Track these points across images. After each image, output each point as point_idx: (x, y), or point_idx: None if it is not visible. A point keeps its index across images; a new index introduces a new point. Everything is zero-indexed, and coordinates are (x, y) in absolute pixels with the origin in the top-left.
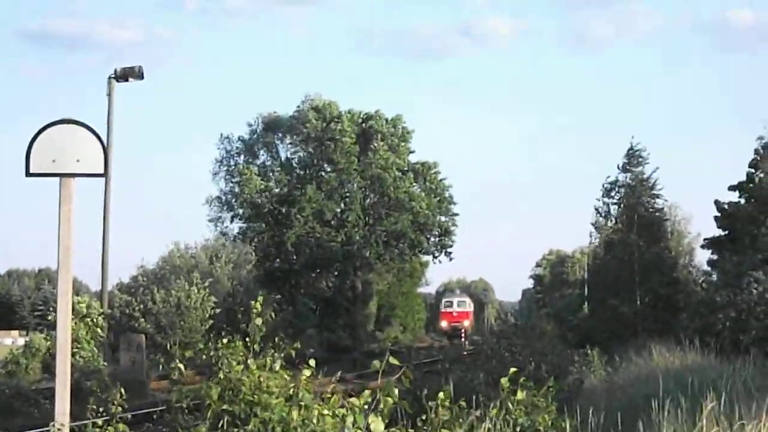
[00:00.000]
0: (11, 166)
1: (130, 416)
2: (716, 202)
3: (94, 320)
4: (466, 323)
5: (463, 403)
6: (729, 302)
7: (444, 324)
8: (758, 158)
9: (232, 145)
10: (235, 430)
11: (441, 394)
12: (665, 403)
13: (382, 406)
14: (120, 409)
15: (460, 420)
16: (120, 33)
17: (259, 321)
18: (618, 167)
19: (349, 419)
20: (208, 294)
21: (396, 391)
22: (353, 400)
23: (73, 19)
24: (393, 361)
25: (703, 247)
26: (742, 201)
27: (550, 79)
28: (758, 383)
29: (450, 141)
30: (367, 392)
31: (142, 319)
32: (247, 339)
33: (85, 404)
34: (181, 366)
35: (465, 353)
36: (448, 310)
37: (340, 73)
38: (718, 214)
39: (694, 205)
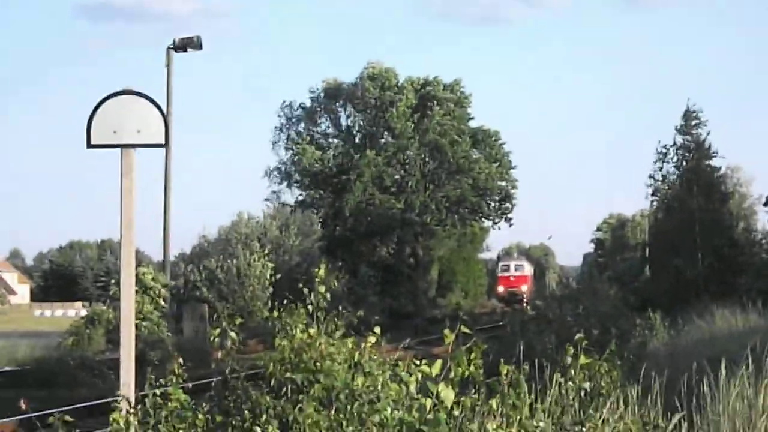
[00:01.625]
0: (74, 138)
1: (191, 386)
2: None
3: (157, 291)
4: (524, 288)
5: (526, 368)
6: None
7: (501, 289)
8: None
9: (293, 113)
10: (300, 396)
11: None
12: (729, 366)
13: (453, 374)
14: (180, 379)
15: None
16: (179, 5)
17: (322, 288)
18: (675, 129)
19: (413, 386)
20: (268, 262)
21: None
22: (424, 367)
23: None
24: (465, 329)
25: (765, 204)
26: None
27: (608, 41)
28: None
29: (509, 106)
30: (439, 362)
31: (205, 289)
32: (310, 307)
33: (150, 374)
34: (233, 334)
35: (527, 318)
36: (505, 274)
37: (400, 40)
38: None
39: (757, 168)
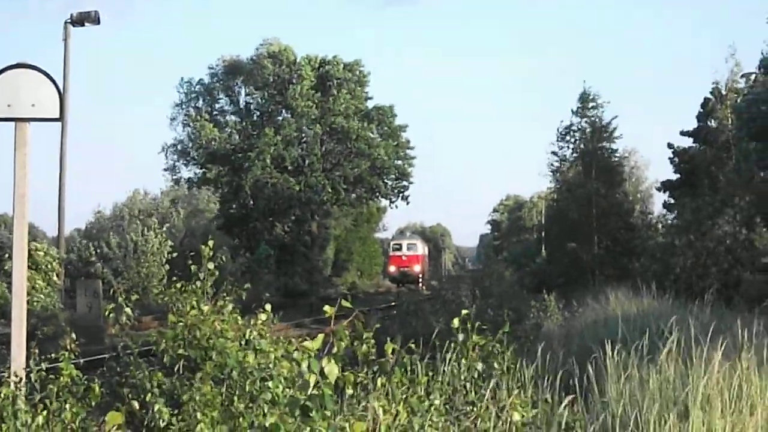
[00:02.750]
0: None
1: (82, 361)
2: (669, 145)
3: (50, 266)
4: (417, 268)
5: (413, 346)
6: (688, 246)
7: (392, 269)
8: (712, 104)
9: (192, 89)
10: (194, 374)
11: (389, 344)
12: (621, 348)
13: (335, 349)
14: (73, 354)
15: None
16: None
17: (210, 265)
18: (572, 111)
19: (304, 363)
20: (165, 239)
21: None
22: (307, 343)
23: None
24: (345, 304)
25: (659, 189)
26: (696, 147)
27: (512, 24)
28: (714, 326)
29: (406, 86)
30: (320, 336)
31: (99, 265)
32: (199, 284)
33: (41, 349)
34: (128, 310)
35: (423, 298)
36: (397, 254)
37: (301, 19)
38: (675, 159)
39: (651, 152)
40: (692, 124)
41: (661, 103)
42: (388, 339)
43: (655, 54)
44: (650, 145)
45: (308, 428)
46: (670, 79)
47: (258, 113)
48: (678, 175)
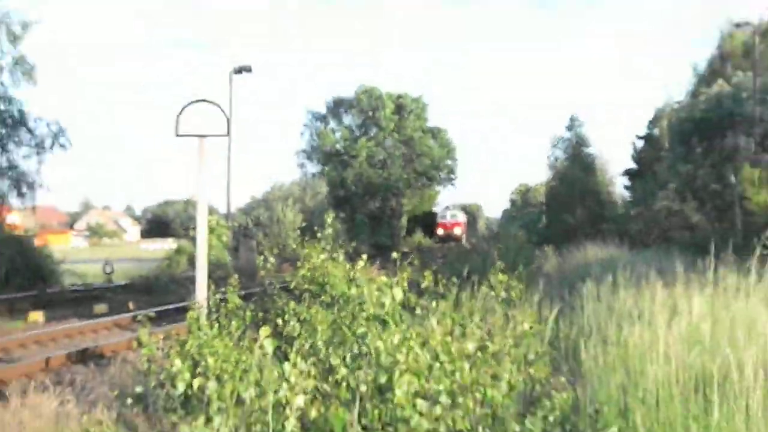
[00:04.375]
0: (164, 131)
1: (242, 294)
2: (633, 144)
3: (221, 231)
4: (458, 231)
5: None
6: (639, 215)
7: (440, 231)
8: (656, 119)
9: (315, 114)
10: (313, 300)
11: (428, 274)
12: (595, 279)
13: (398, 281)
14: (235, 289)
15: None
16: (240, 40)
17: (329, 230)
18: (566, 127)
19: (387, 292)
20: (296, 213)
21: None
22: (382, 278)
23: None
24: (394, 255)
25: (621, 175)
26: (645, 147)
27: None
28: (655, 265)
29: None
30: (403, 275)
31: (254, 230)
32: (322, 242)
33: (216, 286)
34: (272, 259)
35: (466, 250)
36: (443, 220)
37: (385, 66)
38: (633, 154)
39: (615, 150)
40: (643, 131)
41: (625, 112)
42: (440, 276)
43: (625, 71)
44: (616, 143)
45: (386, 334)
46: (634, 92)
47: (356, 129)
48: (634, 166)
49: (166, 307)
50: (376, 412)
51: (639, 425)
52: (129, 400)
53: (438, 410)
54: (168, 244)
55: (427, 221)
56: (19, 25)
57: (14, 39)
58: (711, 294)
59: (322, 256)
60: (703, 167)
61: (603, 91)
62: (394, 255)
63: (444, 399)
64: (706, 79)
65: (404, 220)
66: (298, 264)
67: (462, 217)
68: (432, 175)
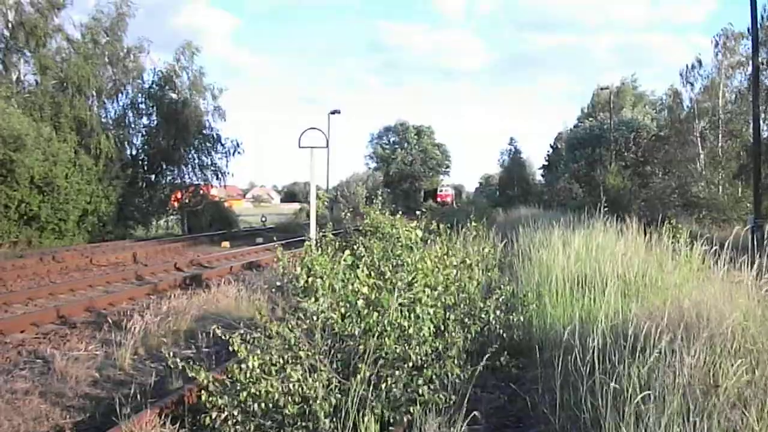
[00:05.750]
0: (292, 145)
1: (333, 233)
2: (546, 152)
3: (323, 197)
4: (449, 199)
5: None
6: (548, 191)
7: (438, 199)
8: (559, 135)
9: (374, 135)
10: (372, 236)
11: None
12: (525, 225)
13: (416, 224)
14: (330, 231)
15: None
16: (336, 97)
17: (380, 199)
18: (508, 143)
19: (414, 232)
20: (365, 190)
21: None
22: (412, 224)
23: (325, 90)
24: (422, 209)
25: (539, 168)
26: (553, 151)
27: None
28: (556, 218)
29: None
30: (415, 222)
31: (341, 198)
32: (378, 204)
33: (319, 228)
34: (349, 214)
35: (453, 209)
36: (440, 193)
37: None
38: (546, 157)
39: (536, 154)
40: (552, 144)
41: (542, 133)
42: (439, 222)
43: (542, 111)
44: (537, 151)
45: (411, 254)
46: (547, 122)
47: (396, 144)
48: (546, 163)
49: (294, 239)
50: (405, 295)
51: (547, 304)
52: (273, 289)
53: (437, 294)
54: (296, 206)
55: (432, 194)
56: (217, 90)
57: (214, 98)
58: (586, 233)
59: (377, 212)
60: (583, 164)
61: (530, 120)
62: (417, 213)
63: (441, 288)
64: (585, 116)
65: (420, 194)
66: (364, 217)
67: (452, 191)
68: (437, 170)
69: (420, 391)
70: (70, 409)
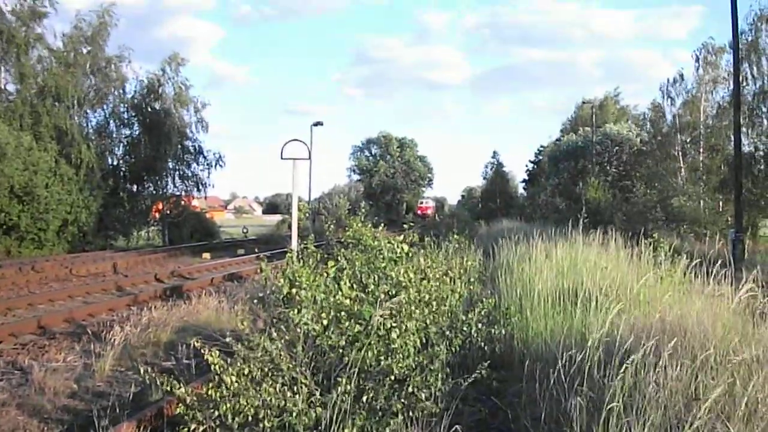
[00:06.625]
0: (274, 157)
1: (315, 245)
2: (528, 165)
3: (304, 209)
4: (429, 212)
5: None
6: (531, 204)
7: (419, 212)
8: (542, 150)
9: (356, 147)
10: (354, 248)
11: (423, 237)
12: (506, 237)
13: (404, 239)
14: (311, 242)
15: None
16: (313, 109)
17: (363, 211)
18: (491, 156)
19: (398, 246)
20: (346, 201)
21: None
22: (397, 237)
23: (309, 103)
24: (405, 226)
25: (521, 182)
26: (535, 165)
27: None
28: (538, 230)
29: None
30: (401, 235)
31: (323, 210)
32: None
33: (300, 239)
34: (332, 226)
35: (435, 222)
36: (421, 205)
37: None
38: (528, 171)
39: (518, 168)
40: (533, 158)
41: (524, 147)
42: (424, 234)
43: (524, 126)
44: (519, 164)
45: (396, 267)
46: (529, 137)
47: (377, 156)
48: (528, 177)
49: (275, 251)
50: (386, 305)
51: (529, 317)
52: (255, 300)
53: (420, 307)
54: (277, 218)
55: (413, 207)
56: (201, 104)
57: (197, 111)
58: (567, 246)
59: (359, 224)
60: (565, 178)
61: (514, 134)
62: (405, 225)
63: (423, 301)
64: (568, 130)
65: (404, 206)
66: (346, 229)
67: (432, 204)
68: (419, 182)
69: (401, 404)
70: (48, 421)
